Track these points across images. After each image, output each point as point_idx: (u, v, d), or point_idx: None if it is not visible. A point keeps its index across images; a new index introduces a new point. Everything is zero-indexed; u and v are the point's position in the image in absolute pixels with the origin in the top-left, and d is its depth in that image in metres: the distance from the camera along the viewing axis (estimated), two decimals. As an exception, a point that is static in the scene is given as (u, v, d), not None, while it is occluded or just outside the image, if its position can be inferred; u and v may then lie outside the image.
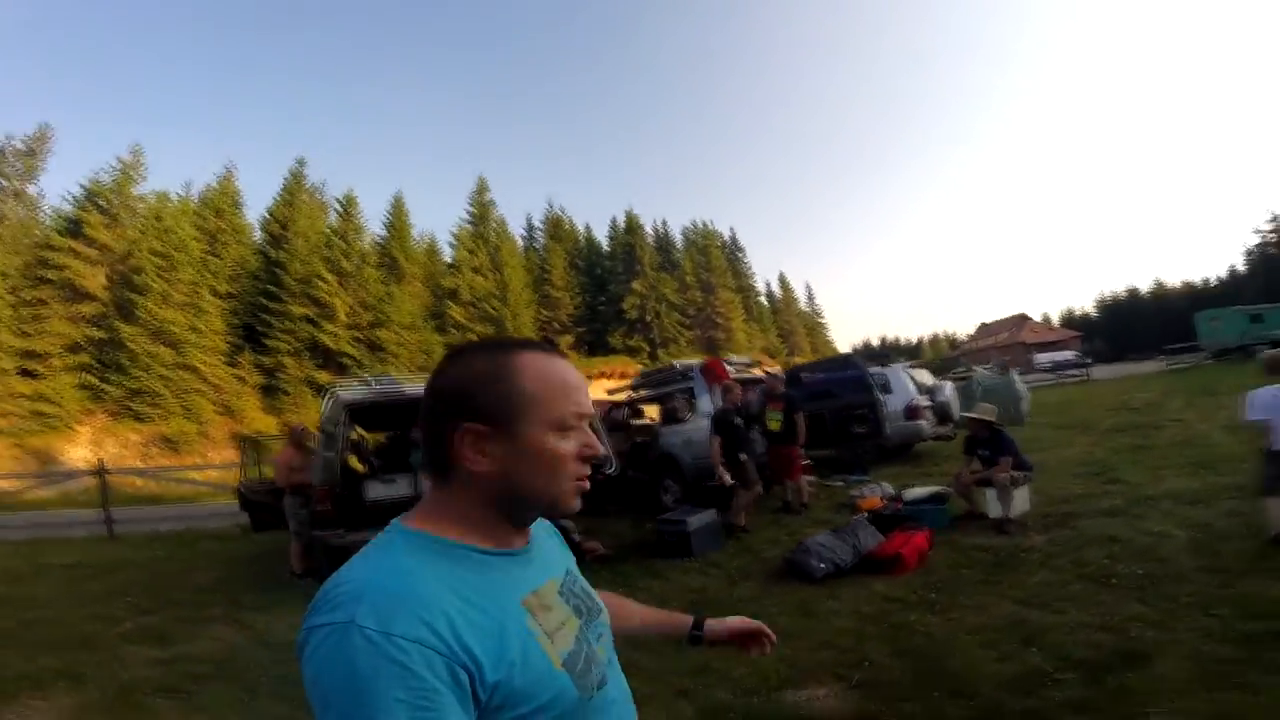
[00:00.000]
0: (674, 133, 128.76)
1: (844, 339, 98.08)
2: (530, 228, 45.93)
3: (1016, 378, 14.56)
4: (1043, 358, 44.83)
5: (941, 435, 9.91)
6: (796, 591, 4.37)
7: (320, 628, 0.61)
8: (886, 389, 10.01)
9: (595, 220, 67.61)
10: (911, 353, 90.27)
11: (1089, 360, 41.70)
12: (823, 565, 4.48)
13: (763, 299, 59.16)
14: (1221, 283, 47.25)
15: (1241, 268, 45.15)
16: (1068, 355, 44.77)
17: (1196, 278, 58.71)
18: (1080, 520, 5.25)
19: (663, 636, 1.14)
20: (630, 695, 0.83)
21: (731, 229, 56.98)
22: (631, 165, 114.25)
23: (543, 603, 0.74)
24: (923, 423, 9.30)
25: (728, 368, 7.92)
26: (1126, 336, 45.37)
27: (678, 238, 50.11)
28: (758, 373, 8.86)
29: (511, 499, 0.74)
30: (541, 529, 0.87)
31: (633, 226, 45.11)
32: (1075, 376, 27.46)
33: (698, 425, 7.38)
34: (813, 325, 63.66)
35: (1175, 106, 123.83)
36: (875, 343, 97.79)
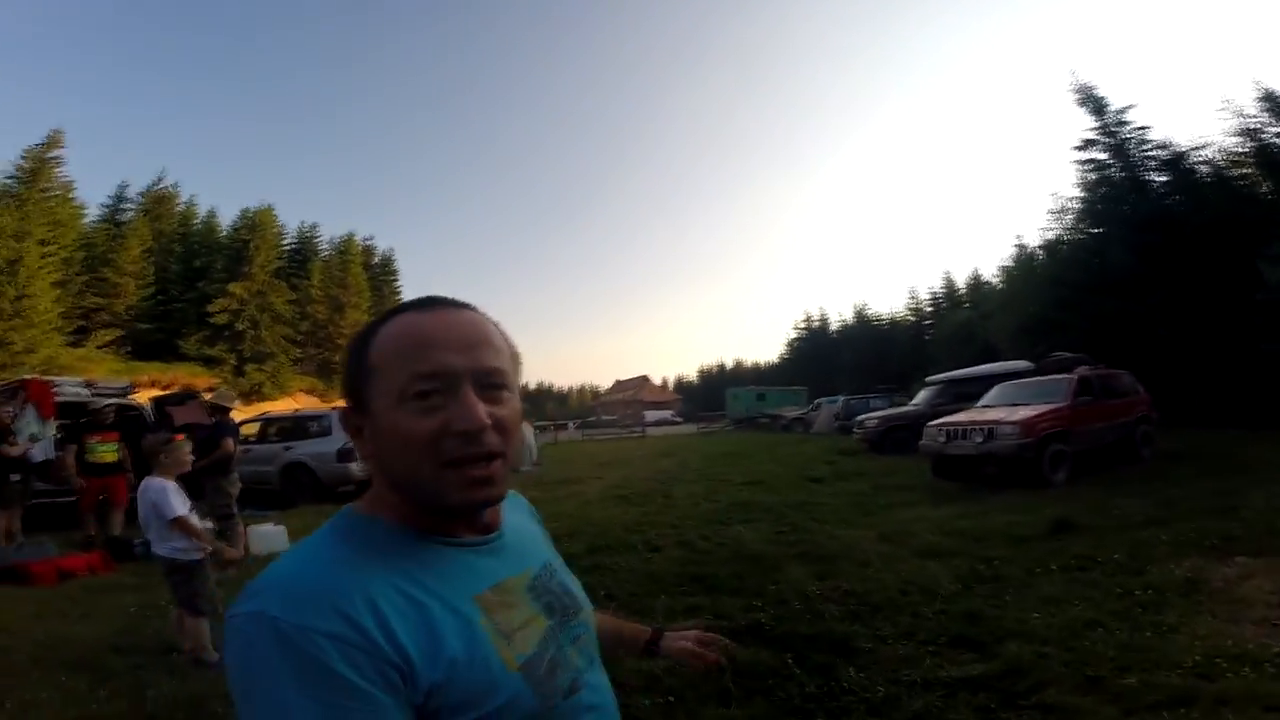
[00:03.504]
0: (383, 146, 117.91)
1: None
2: (119, 199, 36.87)
3: (527, 429, 15.87)
4: (650, 414, 52.32)
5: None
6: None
7: (236, 616, 0.55)
8: (328, 431, 10.33)
9: (230, 208, 56.56)
10: (561, 400, 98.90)
11: (680, 419, 50.07)
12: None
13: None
14: (772, 366, 61.90)
15: (786, 355, 59.45)
16: (667, 414, 53.12)
17: (764, 358, 75.60)
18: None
19: (619, 646, 1.04)
20: (614, 704, 0.73)
21: (390, 248, 53.77)
22: (321, 169, 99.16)
23: (502, 599, 0.65)
24: (353, 465, 9.63)
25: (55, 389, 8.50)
26: (712, 401, 55.69)
27: (325, 247, 45.32)
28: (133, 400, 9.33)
29: (400, 488, 0.63)
30: (521, 517, 0.79)
31: (260, 222, 39.11)
32: (636, 433, 31.83)
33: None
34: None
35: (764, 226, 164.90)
36: (532, 387, 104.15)
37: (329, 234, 50.44)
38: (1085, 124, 17.91)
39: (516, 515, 0.76)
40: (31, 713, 2.95)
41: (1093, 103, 17.54)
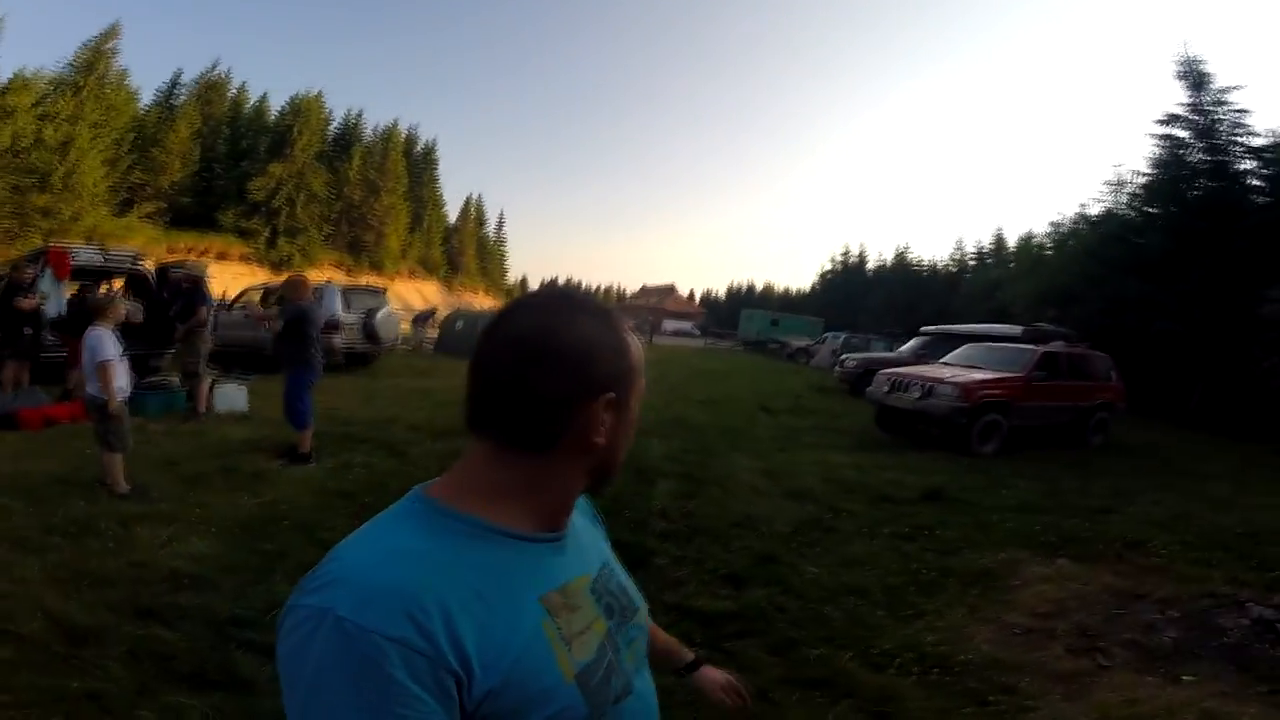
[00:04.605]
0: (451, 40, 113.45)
1: (527, 272, 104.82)
2: (174, 84, 37.40)
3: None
4: (669, 324, 52.74)
5: (370, 351, 12.06)
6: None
7: (300, 608, 0.55)
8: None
9: (282, 93, 56.58)
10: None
11: (697, 333, 50.36)
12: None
13: (450, 215, 57.29)
14: (802, 295, 60.84)
15: (817, 287, 58.24)
16: (686, 326, 53.44)
17: (795, 285, 74.45)
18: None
19: (655, 658, 0.96)
20: (656, 707, 0.75)
21: (434, 138, 53.59)
22: (388, 55, 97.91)
23: (568, 601, 0.66)
24: (336, 337, 10.64)
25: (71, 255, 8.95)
26: (732, 320, 55.60)
27: (369, 134, 45.46)
28: (141, 266, 9.72)
29: (606, 472, 0.70)
30: (582, 517, 0.79)
31: (305, 108, 39.30)
32: (643, 342, 32.44)
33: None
34: (491, 251, 63.94)
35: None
36: (561, 281, 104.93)
37: (375, 121, 50.20)
38: (1177, 99, 16.36)
39: (578, 514, 0.76)
40: (-32, 525, 3.65)
41: (1194, 77, 15.68)
